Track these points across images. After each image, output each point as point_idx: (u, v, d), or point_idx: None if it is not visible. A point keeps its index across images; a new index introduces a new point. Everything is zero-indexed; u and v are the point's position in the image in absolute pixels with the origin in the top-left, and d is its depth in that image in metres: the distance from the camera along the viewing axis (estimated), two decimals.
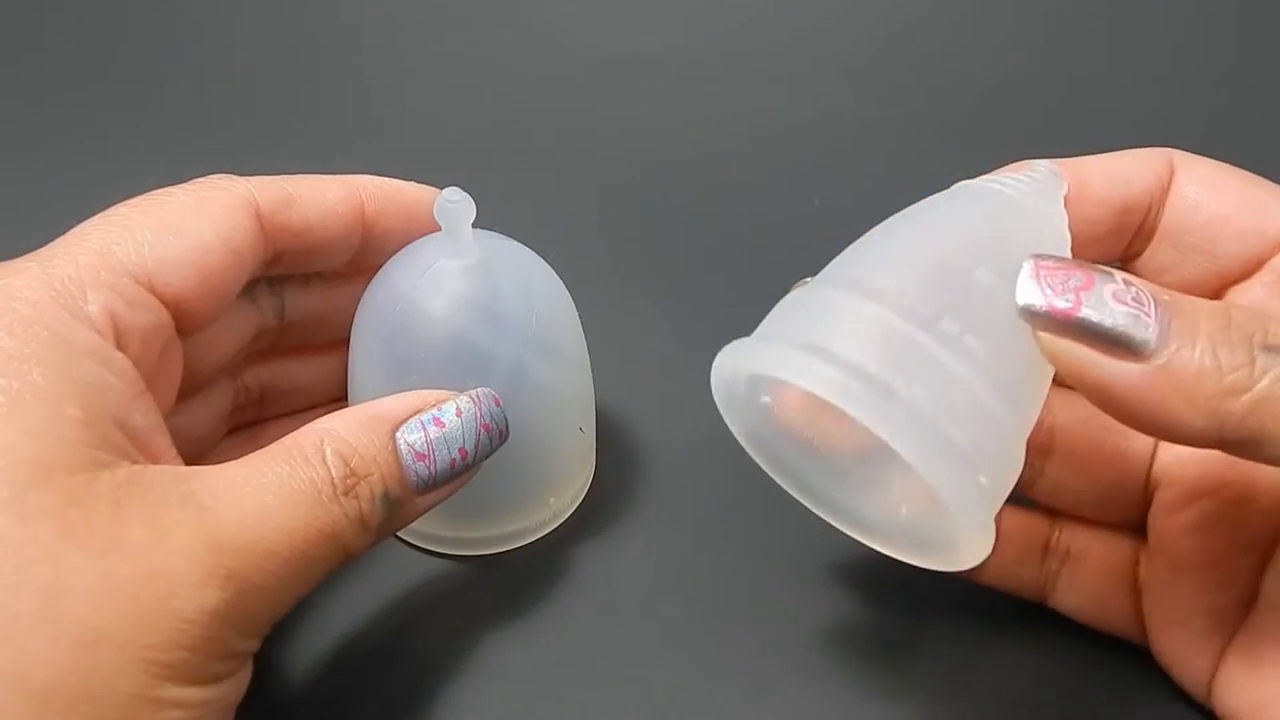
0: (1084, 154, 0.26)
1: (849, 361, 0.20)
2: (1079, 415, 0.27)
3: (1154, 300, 0.20)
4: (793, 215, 0.43)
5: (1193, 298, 0.21)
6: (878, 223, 0.25)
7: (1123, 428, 0.26)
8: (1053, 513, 0.28)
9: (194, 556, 0.20)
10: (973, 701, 0.28)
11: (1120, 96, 0.49)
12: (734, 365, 0.23)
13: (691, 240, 0.42)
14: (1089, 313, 0.20)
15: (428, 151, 0.46)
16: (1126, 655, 0.28)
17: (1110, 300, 0.20)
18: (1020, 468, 0.22)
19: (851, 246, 0.24)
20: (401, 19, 0.54)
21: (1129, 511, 0.27)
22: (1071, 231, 0.24)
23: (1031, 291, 0.21)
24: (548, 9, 0.54)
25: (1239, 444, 0.20)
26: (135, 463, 0.21)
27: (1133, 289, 0.20)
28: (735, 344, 0.23)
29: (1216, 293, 0.26)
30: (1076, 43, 0.52)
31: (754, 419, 0.26)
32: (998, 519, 0.22)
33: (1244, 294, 0.25)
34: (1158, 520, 0.27)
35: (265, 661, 0.27)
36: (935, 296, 0.21)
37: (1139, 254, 0.26)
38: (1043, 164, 0.25)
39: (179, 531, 0.20)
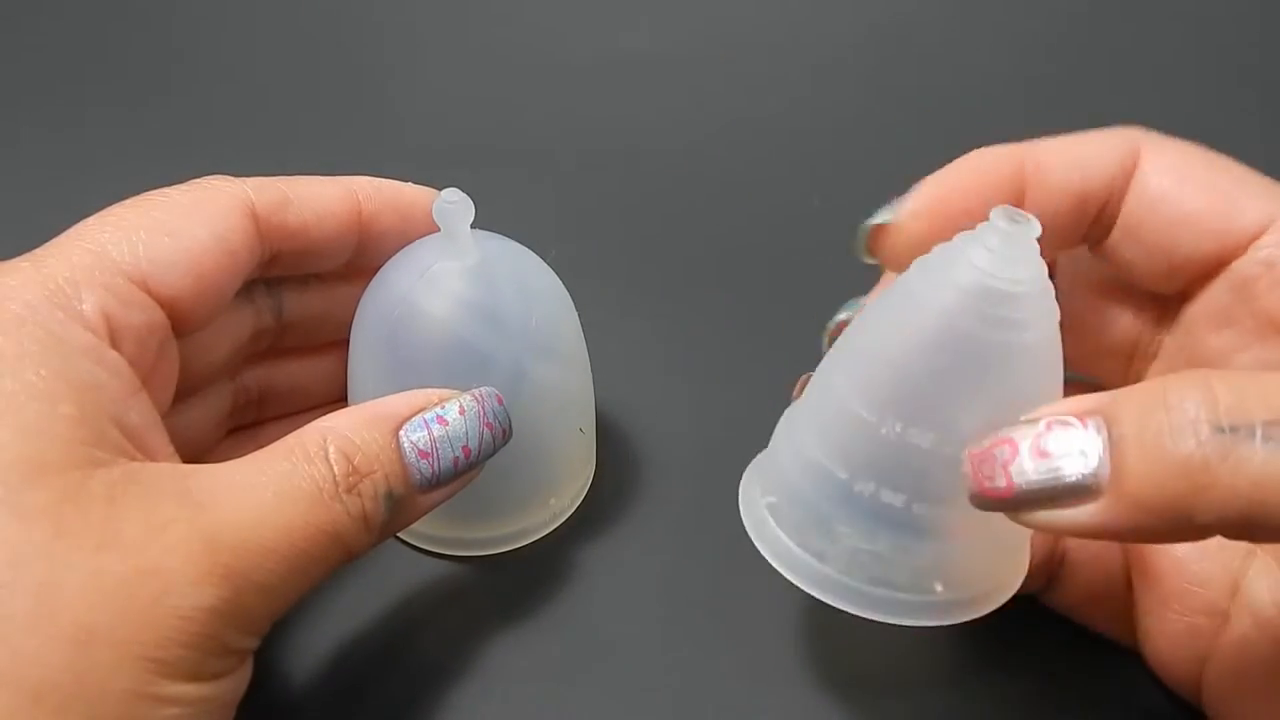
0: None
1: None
2: None
3: (1084, 428, 0.19)
4: (793, 215, 0.43)
5: (1127, 394, 0.19)
6: None
7: None
8: None
9: (190, 554, 0.20)
10: (970, 698, 0.28)
11: (1124, 97, 0.49)
12: (760, 543, 0.25)
13: (691, 240, 0.42)
14: (1022, 486, 0.20)
15: (426, 152, 0.46)
16: (1122, 655, 0.27)
17: (1036, 463, 0.19)
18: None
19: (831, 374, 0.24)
20: (400, 19, 0.54)
21: None
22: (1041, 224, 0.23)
23: (971, 489, 0.21)
24: (548, 9, 0.54)
25: (1233, 534, 0.18)
26: (132, 460, 0.21)
27: (1057, 431, 0.19)
28: (755, 517, 0.25)
29: (1177, 289, 0.25)
30: (1078, 41, 0.52)
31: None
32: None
33: (1204, 302, 0.25)
34: None
35: (266, 661, 0.27)
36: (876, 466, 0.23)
37: (1100, 241, 0.26)
38: (999, 225, 0.22)
39: (175, 529, 0.20)
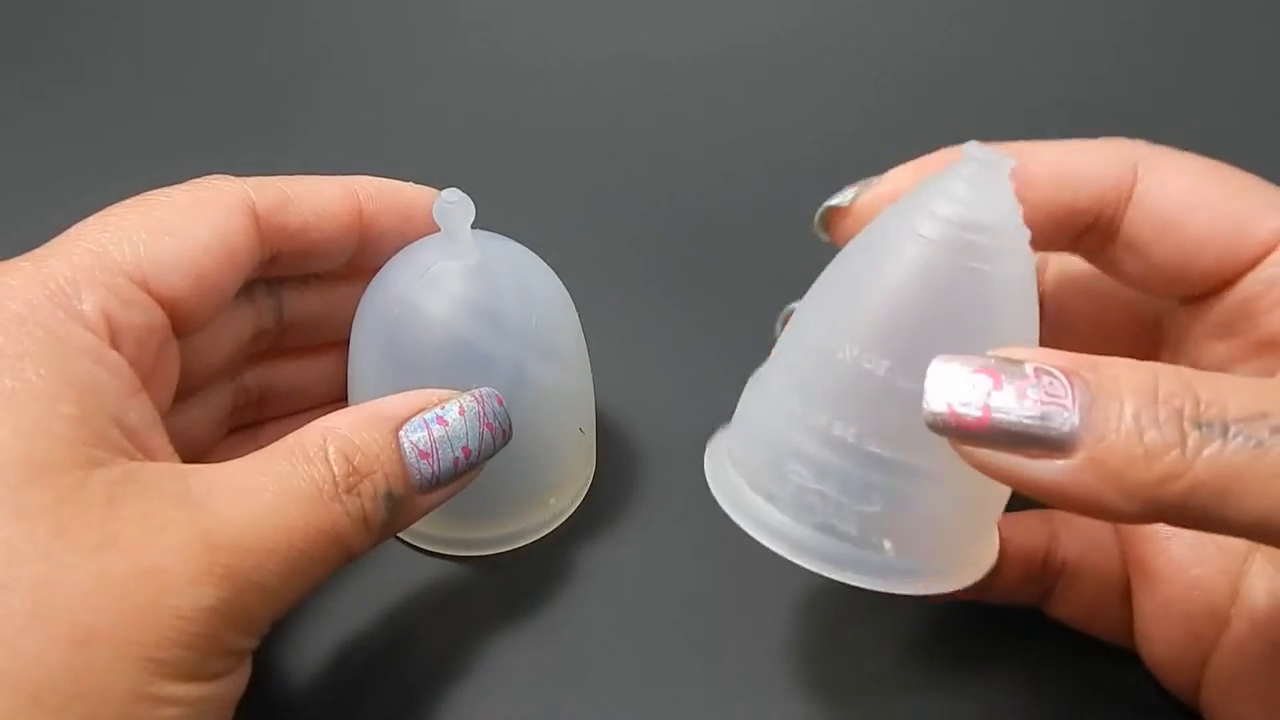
0: None
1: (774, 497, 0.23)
2: None
3: (1069, 384, 0.19)
4: (793, 215, 0.43)
5: (1115, 366, 0.19)
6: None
7: None
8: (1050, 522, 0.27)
9: (189, 554, 0.20)
10: (969, 700, 0.28)
11: (1134, 110, 0.49)
12: (713, 485, 0.25)
13: (691, 240, 0.42)
14: (999, 420, 0.19)
15: (427, 151, 0.46)
16: (1122, 658, 0.27)
17: (1020, 402, 0.19)
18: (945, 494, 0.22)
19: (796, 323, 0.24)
20: (401, 19, 0.54)
21: None
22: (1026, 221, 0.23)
23: (937, 403, 0.20)
24: (548, 9, 0.54)
25: (1181, 524, 0.19)
26: (132, 460, 0.21)
27: (1045, 379, 0.19)
28: (715, 458, 0.25)
29: (1180, 297, 0.25)
30: (1087, 51, 0.52)
31: None
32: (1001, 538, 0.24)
33: (1205, 314, 0.25)
34: (1123, 529, 0.26)
35: (265, 662, 0.27)
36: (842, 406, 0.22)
37: (1097, 252, 0.26)
38: (975, 157, 0.22)
39: (174, 529, 0.20)
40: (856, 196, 0.26)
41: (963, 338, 0.21)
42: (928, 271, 0.21)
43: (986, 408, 0.19)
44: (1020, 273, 0.22)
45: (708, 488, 0.32)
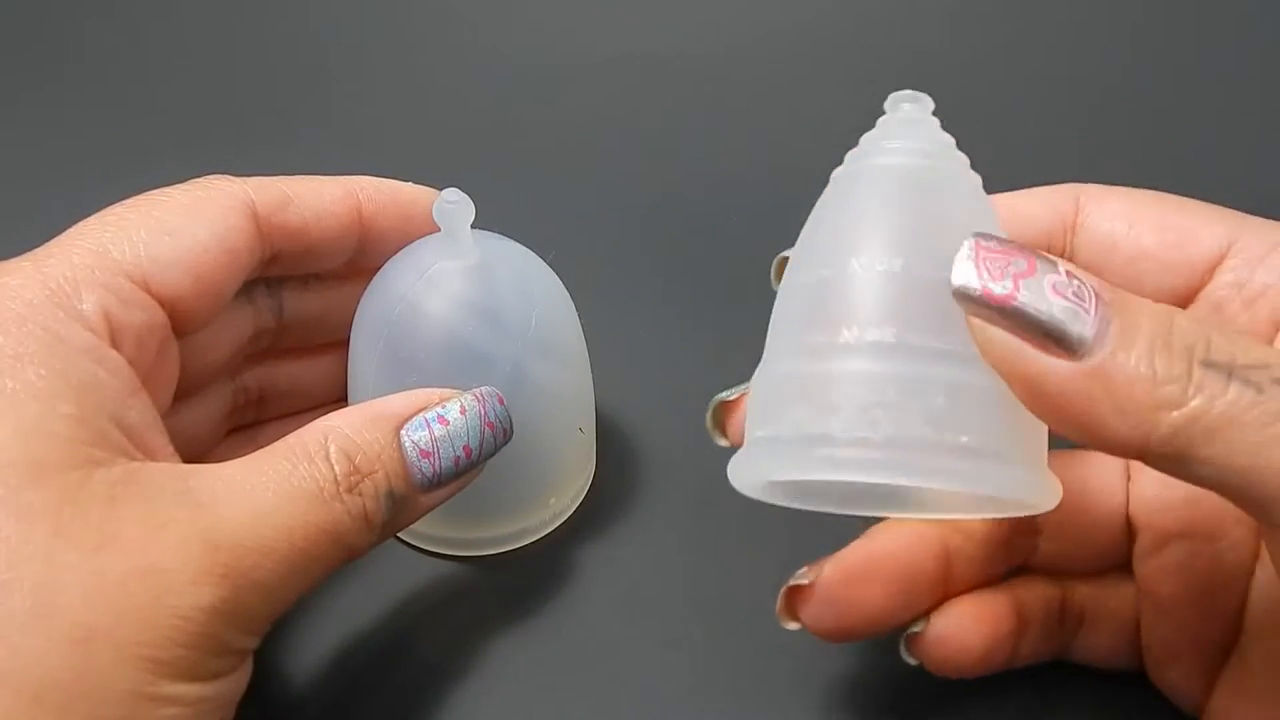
0: (1082, 169, 0.25)
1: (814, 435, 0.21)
2: None
3: (1096, 297, 0.19)
4: (793, 215, 0.43)
5: (1139, 298, 0.20)
6: None
7: (1097, 489, 0.25)
8: (1057, 576, 0.27)
9: (189, 553, 0.20)
10: (971, 707, 0.28)
11: (1136, 110, 0.49)
12: (750, 479, 0.23)
13: (691, 240, 0.42)
14: (1025, 301, 0.19)
15: (427, 151, 0.46)
16: (1127, 678, 0.27)
17: (1049, 291, 0.19)
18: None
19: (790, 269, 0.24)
20: (401, 19, 0.54)
21: (1124, 560, 0.27)
22: None
23: (968, 274, 0.19)
24: (548, 9, 0.54)
25: (1163, 460, 0.19)
26: (132, 460, 0.21)
27: (1075, 282, 0.19)
28: (740, 460, 0.23)
29: None
30: (1089, 51, 0.52)
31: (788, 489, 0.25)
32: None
33: None
34: (1140, 564, 0.26)
35: (265, 662, 0.27)
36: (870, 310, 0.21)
37: None
38: (902, 99, 0.24)
39: (174, 528, 0.20)
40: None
41: (960, 226, 0.21)
42: (905, 177, 0.22)
43: (1015, 287, 0.19)
44: (978, 182, 0.23)
45: (707, 487, 0.32)
